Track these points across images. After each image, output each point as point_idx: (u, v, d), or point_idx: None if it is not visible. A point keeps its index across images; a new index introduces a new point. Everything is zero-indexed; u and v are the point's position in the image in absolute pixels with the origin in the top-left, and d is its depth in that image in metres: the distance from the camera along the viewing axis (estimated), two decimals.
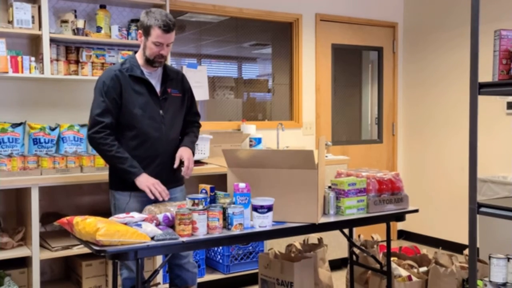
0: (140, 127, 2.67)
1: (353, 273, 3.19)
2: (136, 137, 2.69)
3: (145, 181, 2.61)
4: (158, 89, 2.74)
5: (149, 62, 2.68)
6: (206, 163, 3.82)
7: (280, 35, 4.91)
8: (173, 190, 2.82)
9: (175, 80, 2.83)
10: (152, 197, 2.60)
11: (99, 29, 3.62)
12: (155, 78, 2.76)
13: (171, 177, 2.79)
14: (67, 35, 3.50)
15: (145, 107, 2.68)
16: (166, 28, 2.59)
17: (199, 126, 3.03)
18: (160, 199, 2.60)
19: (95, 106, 2.66)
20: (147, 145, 2.70)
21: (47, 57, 3.36)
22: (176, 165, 2.74)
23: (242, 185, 2.41)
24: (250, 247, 3.88)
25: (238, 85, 4.77)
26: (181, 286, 2.87)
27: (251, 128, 4.37)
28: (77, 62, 3.58)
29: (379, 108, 5.49)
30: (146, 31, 2.63)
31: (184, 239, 2.20)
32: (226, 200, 2.42)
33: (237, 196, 2.40)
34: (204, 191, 2.58)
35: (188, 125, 2.94)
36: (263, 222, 2.36)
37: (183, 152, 2.77)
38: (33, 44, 3.56)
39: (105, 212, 3.18)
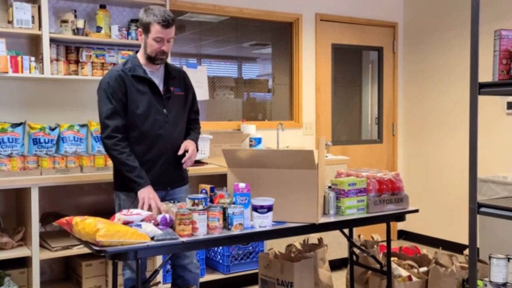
0: (143, 127, 2.66)
1: (353, 273, 3.19)
2: (139, 138, 2.67)
3: (145, 193, 2.55)
4: (161, 88, 2.73)
5: (151, 59, 2.67)
6: (206, 163, 3.82)
7: (280, 35, 4.91)
8: (178, 190, 2.82)
9: (177, 79, 2.82)
10: (140, 209, 2.51)
11: (99, 29, 3.62)
12: (157, 77, 2.75)
13: (176, 177, 2.78)
14: (67, 35, 3.50)
15: (149, 106, 2.67)
16: (165, 23, 2.58)
17: (199, 124, 3.02)
18: (145, 210, 2.50)
19: (103, 108, 2.62)
20: (151, 145, 2.68)
21: (47, 57, 3.36)
22: (180, 152, 2.72)
23: (242, 185, 2.41)
24: (250, 247, 3.88)
25: (238, 85, 4.77)
26: (182, 286, 2.87)
27: (251, 128, 4.37)
28: (77, 62, 3.57)
29: (379, 108, 5.49)
30: (146, 28, 2.62)
31: (184, 239, 2.19)
32: (226, 200, 2.42)
33: (237, 196, 2.40)
34: (204, 191, 2.58)
35: (191, 122, 2.94)
36: (263, 222, 2.36)
37: (188, 143, 2.77)
38: (33, 44, 3.55)
39: (105, 212, 3.18)
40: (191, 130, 2.92)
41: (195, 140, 2.87)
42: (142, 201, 2.54)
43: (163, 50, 2.63)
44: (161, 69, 2.77)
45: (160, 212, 2.47)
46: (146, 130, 2.67)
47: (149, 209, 2.51)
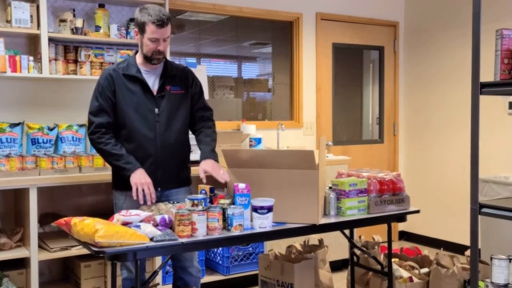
0: (132, 126, 2.65)
1: (354, 274, 3.18)
2: (127, 136, 2.66)
3: (137, 178, 2.55)
4: (156, 87, 2.70)
5: (148, 59, 2.64)
6: None
7: (280, 34, 4.90)
8: (175, 191, 2.78)
9: (178, 77, 2.77)
10: (135, 197, 2.53)
11: (97, 28, 3.61)
12: (153, 76, 2.71)
13: (168, 178, 2.72)
14: (66, 34, 3.48)
15: (138, 106, 2.65)
16: (160, 23, 2.54)
17: (213, 121, 2.91)
18: (141, 202, 2.53)
19: (90, 106, 2.68)
20: (139, 144, 2.66)
21: (46, 57, 3.34)
22: (202, 177, 2.62)
23: (242, 185, 2.40)
24: (250, 248, 3.86)
25: (238, 84, 4.76)
26: (182, 287, 2.86)
27: (251, 128, 4.35)
28: (75, 61, 3.56)
29: (380, 108, 5.47)
30: (141, 28, 2.60)
31: (184, 240, 2.18)
32: (226, 201, 2.41)
33: (237, 196, 2.38)
34: (203, 191, 2.56)
35: (200, 121, 2.84)
36: (263, 223, 2.35)
37: (204, 166, 2.64)
38: (32, 44, 3.54)
39: (104, 212, 3.16)
40: (201, 142, 2.79)
41: (210, 155, 2.71)
42: (134, 186, 2.54)
43: (159, 49, 2.60)
44: (159, 68, 2.73)
45: (152, 198, 2.54)
46: (135, 129, 2.65)
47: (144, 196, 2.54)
